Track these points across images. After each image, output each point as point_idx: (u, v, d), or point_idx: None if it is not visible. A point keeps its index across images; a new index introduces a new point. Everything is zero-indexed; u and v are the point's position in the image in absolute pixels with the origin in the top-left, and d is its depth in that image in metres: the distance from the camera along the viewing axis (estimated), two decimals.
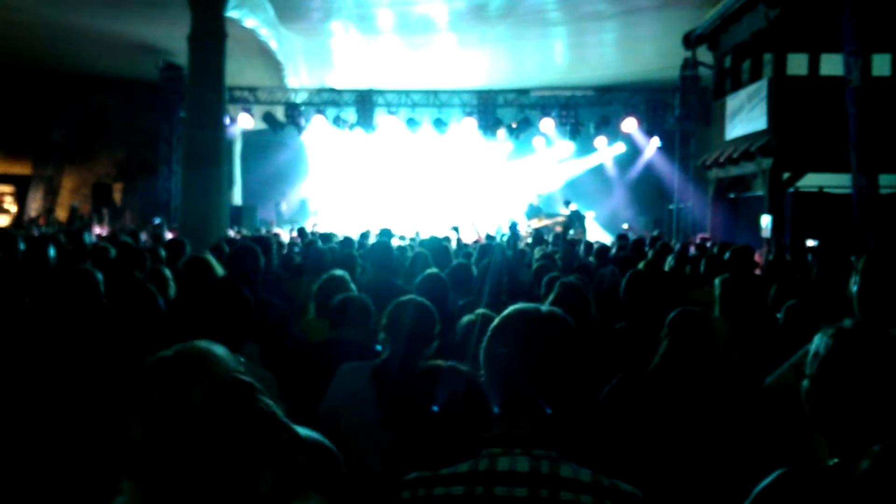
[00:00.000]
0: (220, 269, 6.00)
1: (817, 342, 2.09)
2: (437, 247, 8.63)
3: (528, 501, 1.87)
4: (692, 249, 12.57)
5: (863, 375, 1.99)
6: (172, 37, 16.39)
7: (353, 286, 5.22)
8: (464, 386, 2.96)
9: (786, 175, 15.74)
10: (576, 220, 20.84)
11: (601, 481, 1.91)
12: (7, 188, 25.24)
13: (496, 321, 2.07)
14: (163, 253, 7.40)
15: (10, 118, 24.51)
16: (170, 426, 1.47)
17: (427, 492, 1.96)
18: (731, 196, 19.70)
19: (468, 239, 15.55)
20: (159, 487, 1.48)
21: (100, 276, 4.01)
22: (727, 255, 7.68)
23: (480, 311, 4.29)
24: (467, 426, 2.56)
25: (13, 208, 25.09)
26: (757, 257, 10.95)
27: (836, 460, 1.99)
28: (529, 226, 19.99)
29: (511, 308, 2.08)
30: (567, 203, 21.53)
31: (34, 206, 24.93)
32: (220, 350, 1.58)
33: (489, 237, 13.44)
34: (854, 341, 2.02)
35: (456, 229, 14.86)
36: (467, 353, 3.90)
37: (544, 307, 2.08)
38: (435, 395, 3.07)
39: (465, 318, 4.29)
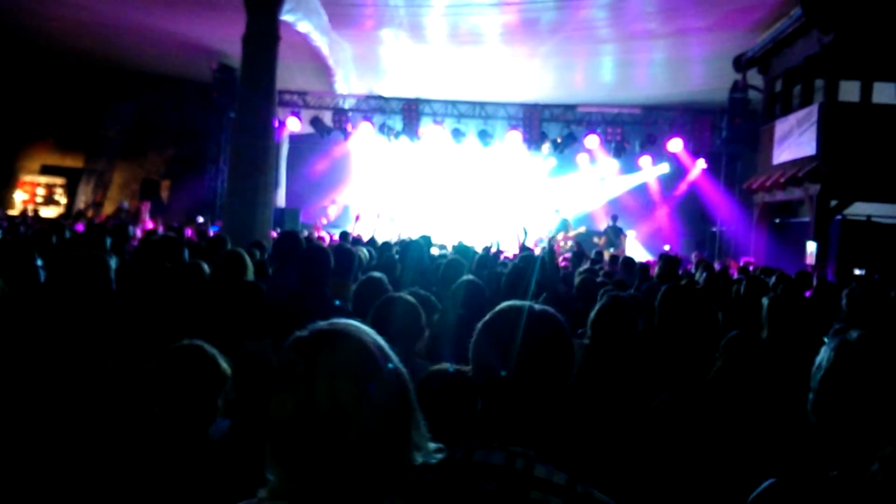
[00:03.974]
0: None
1: (822, 355, 2.06)
2: (474, 254, 8.58)
3: (497, 495, 1.83)
4: (734, 273, 12.48)
5: (863, 388, 1.95)
6: (226, 39, 16.60)
7: (390, 288, 5.20)
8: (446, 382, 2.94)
9: (833, 202, 15.54)
10: (614, 235, 20.81)
11: (575, 486, 1.86)
12: (58, 180, 25.67)
13: (487, 316, 2.05)
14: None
15: (66, 112, 24.98)
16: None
17: None
18: (777, 221, 19.50)
19: (509, 248, 15.47)
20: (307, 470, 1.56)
21: (113, 262, 4.08)
22: (773, 279, 7.64)
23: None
24: (449, 419, 2.55)
25: (63, 200, 25.52)
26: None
27: (835, 473, 1.96)
28: (558, 239, 19.95)
29: (503, 304, 2.06)
30: (615, 219, 21.51)
31: (83, 199, 25.34)
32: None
33: (525, 248, 13.36)
34: (855, 354, 1.99)
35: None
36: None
37: (538, 305, 2.05)
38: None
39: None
